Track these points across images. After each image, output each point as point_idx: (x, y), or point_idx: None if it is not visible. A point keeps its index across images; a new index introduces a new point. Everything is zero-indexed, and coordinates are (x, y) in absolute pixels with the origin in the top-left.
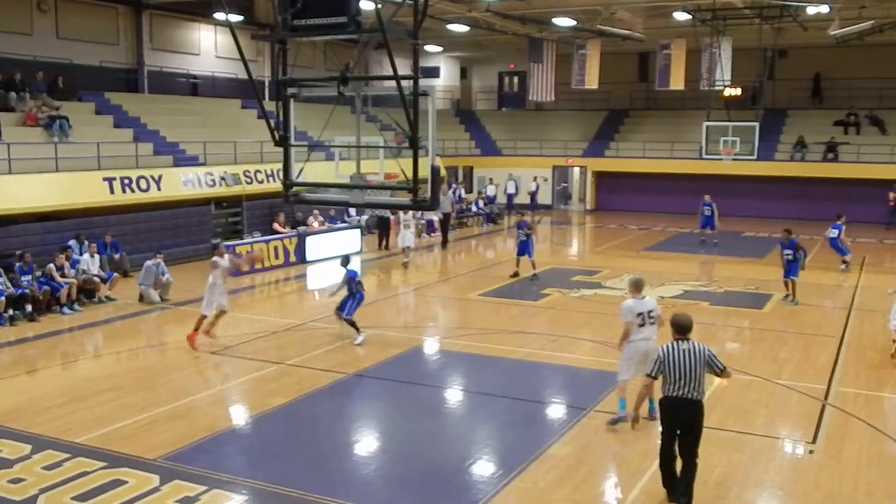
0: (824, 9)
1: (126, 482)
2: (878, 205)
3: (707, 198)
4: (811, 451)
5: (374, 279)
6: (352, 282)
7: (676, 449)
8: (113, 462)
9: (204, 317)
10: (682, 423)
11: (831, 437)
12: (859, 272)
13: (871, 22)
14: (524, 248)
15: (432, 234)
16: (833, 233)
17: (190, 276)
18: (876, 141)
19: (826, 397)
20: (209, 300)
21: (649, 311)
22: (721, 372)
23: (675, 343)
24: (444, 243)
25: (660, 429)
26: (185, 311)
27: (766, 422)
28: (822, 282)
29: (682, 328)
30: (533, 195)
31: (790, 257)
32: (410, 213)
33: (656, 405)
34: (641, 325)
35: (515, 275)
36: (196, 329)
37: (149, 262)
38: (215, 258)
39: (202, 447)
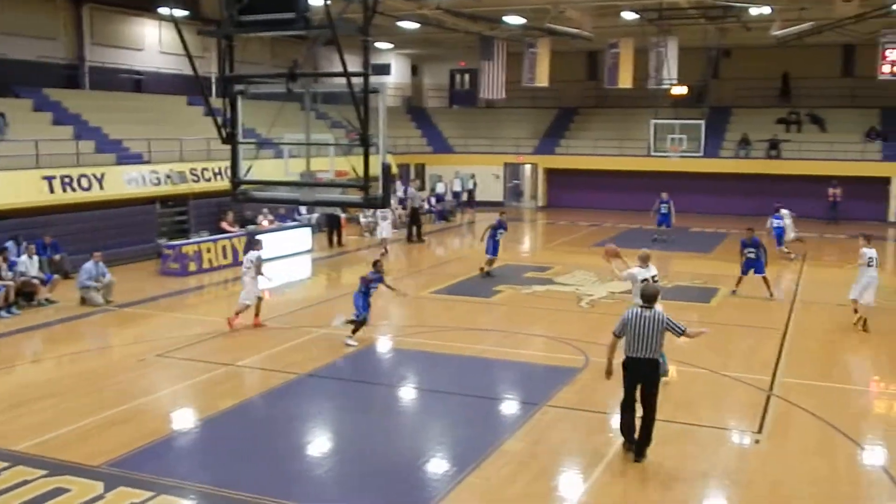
0: (766, 10)
1: (69, 490)
2: (819, 200)
3: (664, 195)
4: (757, 441)
5: (324, 278)
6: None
7: (637, 400)
8: (54, 470)
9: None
10: (641, 379)
11: (776, 427)
12: (801, 265)
13: (811, 23)
14: (497, 248)
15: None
16: (777, 223)
17: (134, 277)
18: (816, 139)
19: (771, 388)
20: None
21: (653, 276)
22: (682, 333)
23: (639, 309)
24: (419, 237)
25: (610, 423)
26: (128, 313)
27: (714, 413)
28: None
29: (646, 297)
30: (456, 194)
31: (752, 255)
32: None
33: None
34: None
35: (488, 274)
36: (256, 314)
37: (87, 264)
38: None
39: (149, 452)
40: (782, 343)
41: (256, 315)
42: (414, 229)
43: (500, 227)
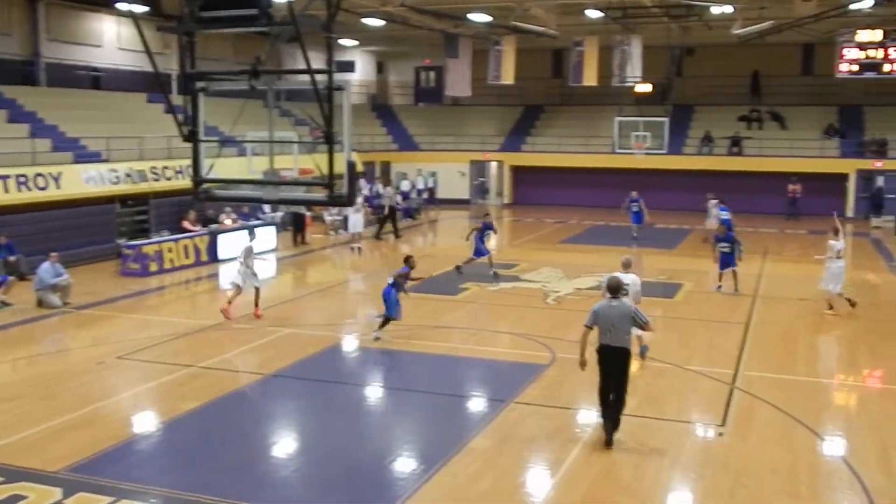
0: (728, 9)
1: (26, 497)
2: (779, 196)
3: (634, 194)
4: (721, 434)
5: (289, 277)
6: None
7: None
8: (11, 476)
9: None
10: (612, 366)
11: (739, 419)
12: (762, 261)
13: (771, 22)
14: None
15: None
16: (725, 214)
17: (93, 278)
18: (777, 136)
19: (733, 381)
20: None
21: (625, 284)
22: (644, 325)
23: (607, 301)
24: (396, 233)
25: (577, 419)
26: (87, 314)
27: (679, 407)
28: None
29: (612, 289)
30: (421, 192)
31: (726, 249)
32: (359, 199)
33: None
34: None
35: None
36: (256, 305)
37: (44, 265)
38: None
39: (109, 456)
40: (745, 337)
41: (256, 305)
42: (390, 226)
43: (486, 228)
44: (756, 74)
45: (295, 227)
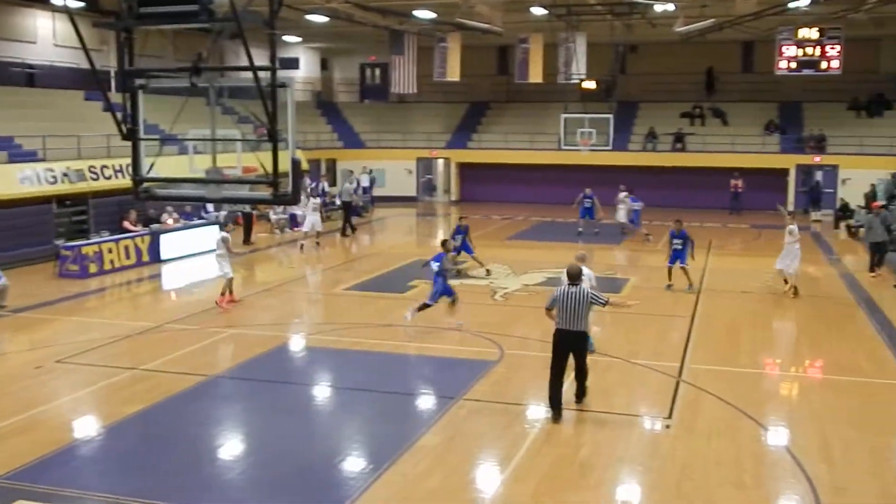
0: (670, 7)
1: None
2: (722, 191)
3: (588, 191)
4: (668, 426)
5: (238, 277)
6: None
7: (569, 370)
8: None
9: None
10: (571, 348)
11: (685, 412)
12: (706, 255)
13: (712, 20)
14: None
15: (294, 229)
16: (637, 206)
17: (30, 280)
18: (719, 132)
19: (680, 374)
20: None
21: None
22: (604, 304)
23: (566, 287)
24: (352, 229)
25: (526, 414)
26: (24, 318)
27: (626, 401)
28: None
29: (571, 276)
30: (366, 189)
31: (679, 246)
32: (318, 198)
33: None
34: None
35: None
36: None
37: None
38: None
39: (49, 463)
40: (690, 330)
41: (231, 293)
42: (347, 222)
43: (458, 232)
44: (710, 71)
45: (245, 226)
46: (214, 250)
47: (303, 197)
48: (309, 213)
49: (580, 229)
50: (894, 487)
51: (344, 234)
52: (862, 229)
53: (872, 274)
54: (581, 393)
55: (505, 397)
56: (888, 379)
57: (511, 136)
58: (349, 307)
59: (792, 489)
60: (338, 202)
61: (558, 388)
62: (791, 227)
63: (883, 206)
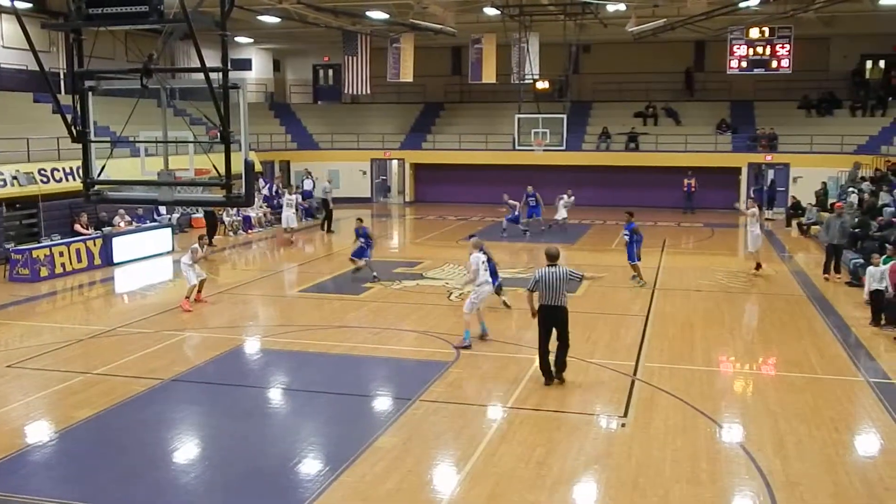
0: (622, 7)
1: None
2: (676, 190)
3: (530, 189)
4: (623, 425)
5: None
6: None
7: (554, 342)
8: None
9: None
10: (554, 322)
11: (641, 410)
12: (661, 253)
13: (664, 20)
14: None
15: (249, 232)
16: (567, 201)
17: None
18: (672, 131)
19: (635, 373)
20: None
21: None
22: (581, 279)
23: (546, 267)
24: (329, 227)
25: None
26: None
27: (582, 400)
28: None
29: (550, 256)
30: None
31: (627, 239)
32: (295, 196)
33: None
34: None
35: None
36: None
37: None
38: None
39: (0, 469)
40: (644, 329)
41: (199, 293)
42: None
43: (359, 235)
44: (689, 71)
45: (207, 226)
46: (182, 260)
47: (258, 195)
48: (285, 207)
49: (526, 229)
50: (846, 481)
51: (323, 229)
52: (816, 227)
53: (826, 276)
54: (561, 366)
55: (461, 398)
56: (839, 375)
57: (465, 137)
58: (304, 309)
59: (746, 485)
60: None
61: (546, 358)
62: (753, 209)
63: (858, 223)
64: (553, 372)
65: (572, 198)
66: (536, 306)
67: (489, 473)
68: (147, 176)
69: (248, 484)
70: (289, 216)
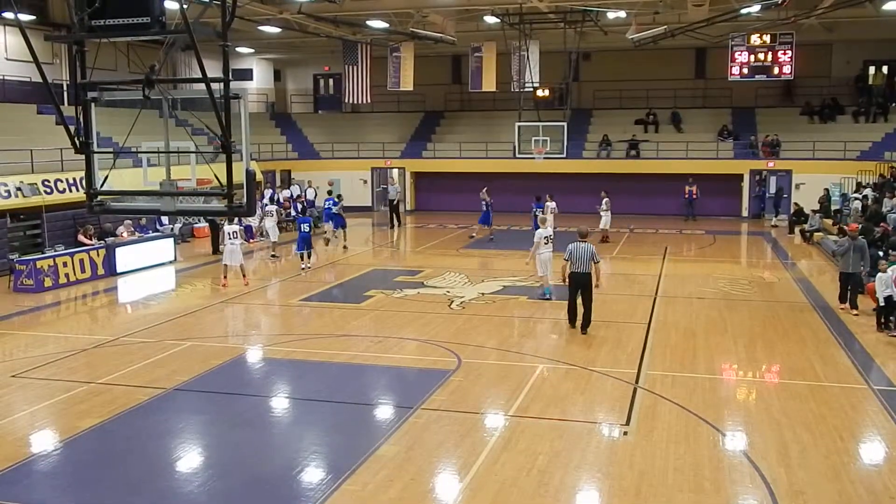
0: (622, 14)
1: None
2: (677, 198)
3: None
4: (625, 433)
5: (190, 288)
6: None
7: (579, 302)
8: None
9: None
10: (580, 286)
11: (643, 418)
12: (662, 261)
13: (665, 27)
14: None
15: (251, 241)
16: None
17: None
18: (673, 138)
19: (637, 381)
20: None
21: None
22: (597, 262)
23: (577, 242)
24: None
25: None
26: None
27: (584, 408)
28: (629, 271)
29: (581, 234)
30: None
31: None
32: (273, 207)
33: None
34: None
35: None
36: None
37: None
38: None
39: (5, 479)
40: (646, 337)
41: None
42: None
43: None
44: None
45: (212, 236)
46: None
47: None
48: (266, 218)
49: (492, 237)
50: (851, 490)
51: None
52: (819, 234)
53: (842, 306)
54: (586, 322)
55: (463, 406)
56: (843, 383)
57: (465, 145)
58: (306, 318)
59: (750, 494)
60: (293, 213)
61: (574, 309)
62: None
63: (861, 229)
64: (579, 322)
65: (553, 203)
66: (567, 273)
67: (491, 482)
68: (149, 186)
69: (251, 493)
70: (270, 228)
